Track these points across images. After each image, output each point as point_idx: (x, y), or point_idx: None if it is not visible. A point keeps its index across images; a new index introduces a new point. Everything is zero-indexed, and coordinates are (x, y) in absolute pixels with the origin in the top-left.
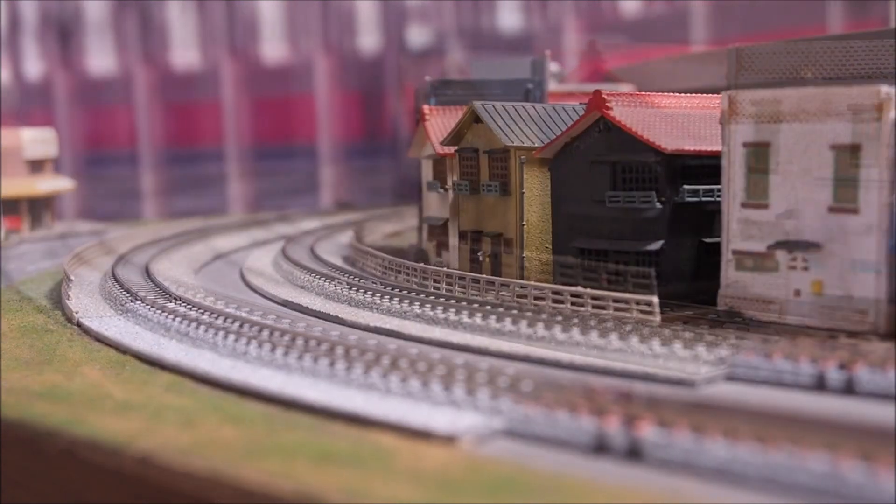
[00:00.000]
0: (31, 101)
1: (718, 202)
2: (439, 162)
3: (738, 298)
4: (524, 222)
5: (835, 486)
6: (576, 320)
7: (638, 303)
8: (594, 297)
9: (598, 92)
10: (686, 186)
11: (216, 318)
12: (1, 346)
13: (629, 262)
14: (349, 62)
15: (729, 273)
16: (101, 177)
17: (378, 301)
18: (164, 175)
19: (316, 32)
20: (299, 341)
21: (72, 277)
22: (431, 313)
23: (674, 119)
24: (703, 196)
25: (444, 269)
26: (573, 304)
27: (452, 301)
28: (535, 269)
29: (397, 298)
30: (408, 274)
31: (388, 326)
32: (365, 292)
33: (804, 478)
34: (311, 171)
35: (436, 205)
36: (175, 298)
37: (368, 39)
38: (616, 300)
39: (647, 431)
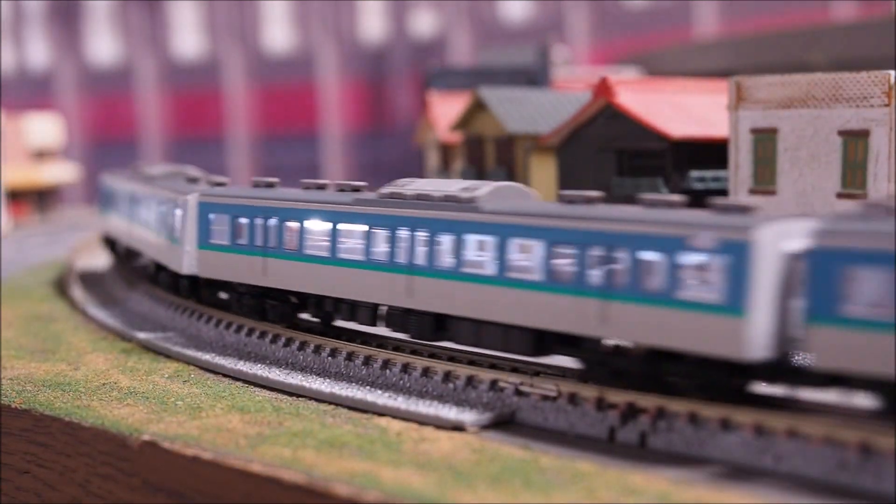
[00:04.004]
0: (36, 88)
1: (726, 189)
2: (444, 149)
3: None
4: None
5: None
6: None
7: None
8: None
9: (604, 78)
10: (693, 173)
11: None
12: (7, 335)
13: None
14: (355, 51)
15: None
16: (108, 164)
17: None
18: (173, 162)
19: (323, 21)
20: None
21: (77, 266)
22: None
23: (681, 105)
24: (711, 182)
25: None
26: None
27: None
28: None
29: None
30: None
31: None
32: None
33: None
34: (318, 159)
35: None
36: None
37: (375, 28)
38: None
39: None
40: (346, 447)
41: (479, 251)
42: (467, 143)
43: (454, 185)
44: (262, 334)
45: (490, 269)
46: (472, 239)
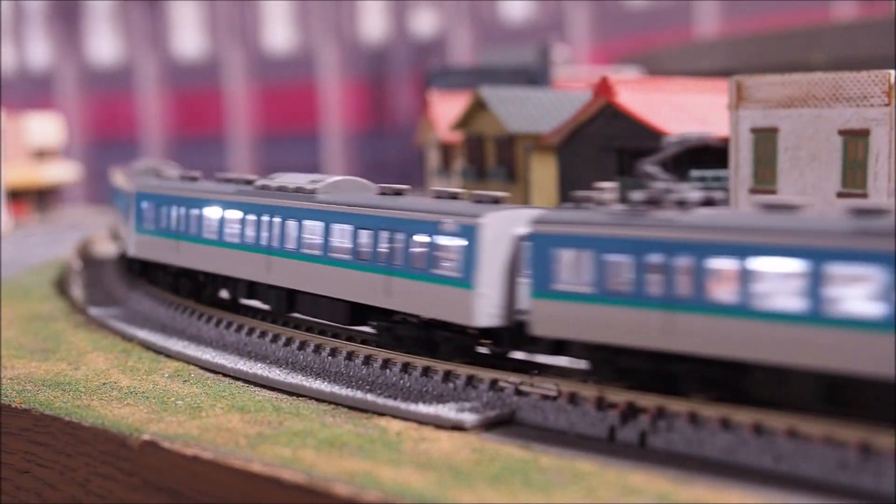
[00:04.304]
0: (37, 87)
1: (726, 188)
2: (445, 148)
3: None
4: None
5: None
6: None
7: None
8: None
9: (605, 78)
10: (694, 172)
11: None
12: (8, 334)
13: None
14: (356, 50)
15: None
16: (109, 163)
17: None
18: (174, 161)
19: (323, 21)
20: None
21: (78, 265)
22: None
23: (681, 104)
24: (712, 182)
25: None
26: None
27: None
28: None
29: None
30: None
31: None
32: None
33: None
34: (318, 159)
35: None
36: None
37: (375, 27)
38: None
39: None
40: (346, 447)
41: (313, 235)
42: (468, 143)
43: (306, 179)
44: (263, 334)
45: (320, 251)
46: (308, 224)
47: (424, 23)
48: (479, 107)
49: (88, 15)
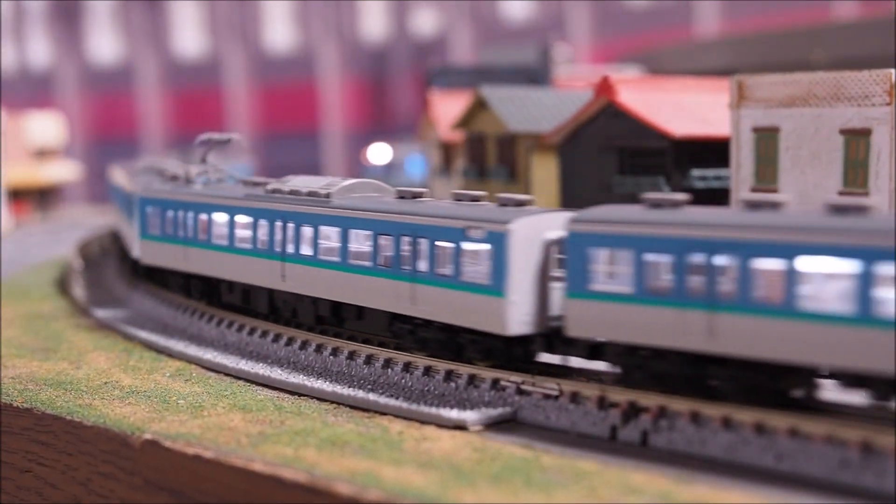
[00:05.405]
0: (38, 86)
1: (728, 187)
2: (446, 147)
3: None
4: None
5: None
6: None
7: None
8: None
9: (606, 77)
10: (695, 171)
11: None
12: (8, 334)
13: None
14: (356, 50)
15: None
16: (110, 162)
17: None
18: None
19: (324, 20)
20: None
21: (79, 265)
22: None
23: (682, 104)
24: (712, 181)
25: None
26: None
27: None
28: None
29: None
30: None
31: None
32: None
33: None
34: (319, 158)
35: (442, 190)
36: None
37: (376, 27)
38: None
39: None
40: (347, 446)
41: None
42: (469, 142)
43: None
44: (264, 333)
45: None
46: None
47: (425, 22)
48: (479, 106)
49: (89, 14)
